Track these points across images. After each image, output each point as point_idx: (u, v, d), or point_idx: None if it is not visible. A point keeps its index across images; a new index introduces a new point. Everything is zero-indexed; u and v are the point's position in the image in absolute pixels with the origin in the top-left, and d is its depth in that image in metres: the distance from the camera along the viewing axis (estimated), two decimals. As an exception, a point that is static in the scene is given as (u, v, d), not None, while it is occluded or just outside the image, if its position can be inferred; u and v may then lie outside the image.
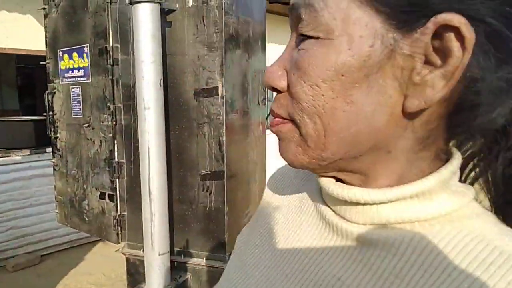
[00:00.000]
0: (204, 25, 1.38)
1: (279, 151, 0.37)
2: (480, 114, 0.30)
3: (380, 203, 0.32)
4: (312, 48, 0.30)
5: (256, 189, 1.71)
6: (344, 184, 0.35)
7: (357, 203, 0.33)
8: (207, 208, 1.51)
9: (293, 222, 0.42)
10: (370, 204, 0.33)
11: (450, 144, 0.34)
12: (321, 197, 0.40)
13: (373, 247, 0.32)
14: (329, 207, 0.38)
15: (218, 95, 1.41)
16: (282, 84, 0.33)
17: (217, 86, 1.40)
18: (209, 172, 1.48)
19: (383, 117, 0.30)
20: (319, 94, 0.30)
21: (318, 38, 0.30)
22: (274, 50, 1.92)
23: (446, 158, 0.33)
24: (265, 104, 1.77)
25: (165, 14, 1.40)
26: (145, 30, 1.31)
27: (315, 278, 0.35)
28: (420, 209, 0.31)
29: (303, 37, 0.31)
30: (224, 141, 1.44)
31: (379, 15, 0.28)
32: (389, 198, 0.31)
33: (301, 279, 0.36)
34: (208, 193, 1.50)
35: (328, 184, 0.36)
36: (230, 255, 0.51)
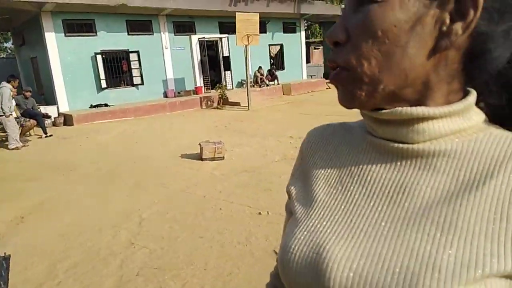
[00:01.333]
0: None
1: (339, 99, 0.48)
2: (487, 60, 0.44)
3: (436, 118, 0.44)
4: (373, 9, 0.43)
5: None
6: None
7: (417, 123, 0.45)
8: None
9: (354, 167, 0.52)
10: (428, 121, 0.44)
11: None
12: (373, 136, 0.50)
13: (440, 157, 0.45)
14: (388, 140, 0.48)
15: None
16: (343, 37, 0.45)
17: None
18: None
19: (421, 56, 0.43)
20: (377, 42, 0.43)
21: (376, 2, 0.42)
22: None
23: (464, 94, 0.47)
24: None
25: None
26: None
27: (408, 201, 0.45)
28: (462, 122, 0.45)
29: (363, 1, 0.43)
30: None
31: None
32: (447, 111, 0.44)
33: (392, 206, 0.45)
34: None
35: (393, 109, 0.45)
36: None
